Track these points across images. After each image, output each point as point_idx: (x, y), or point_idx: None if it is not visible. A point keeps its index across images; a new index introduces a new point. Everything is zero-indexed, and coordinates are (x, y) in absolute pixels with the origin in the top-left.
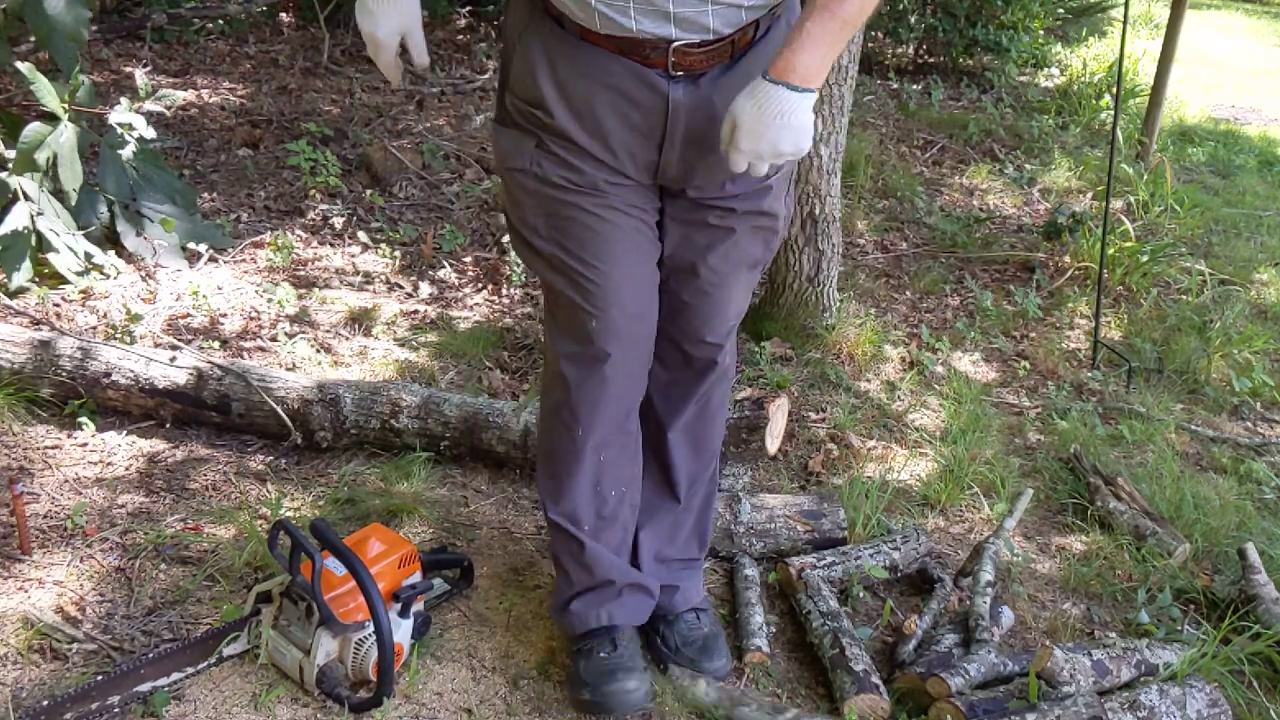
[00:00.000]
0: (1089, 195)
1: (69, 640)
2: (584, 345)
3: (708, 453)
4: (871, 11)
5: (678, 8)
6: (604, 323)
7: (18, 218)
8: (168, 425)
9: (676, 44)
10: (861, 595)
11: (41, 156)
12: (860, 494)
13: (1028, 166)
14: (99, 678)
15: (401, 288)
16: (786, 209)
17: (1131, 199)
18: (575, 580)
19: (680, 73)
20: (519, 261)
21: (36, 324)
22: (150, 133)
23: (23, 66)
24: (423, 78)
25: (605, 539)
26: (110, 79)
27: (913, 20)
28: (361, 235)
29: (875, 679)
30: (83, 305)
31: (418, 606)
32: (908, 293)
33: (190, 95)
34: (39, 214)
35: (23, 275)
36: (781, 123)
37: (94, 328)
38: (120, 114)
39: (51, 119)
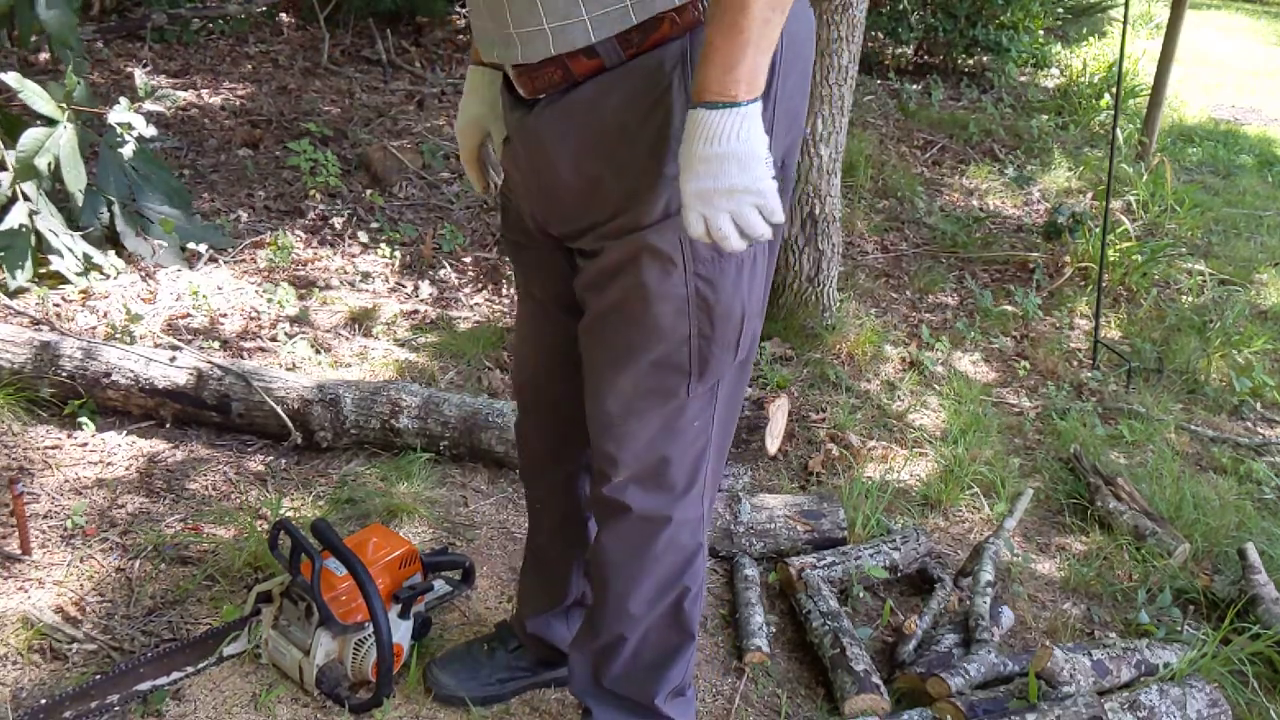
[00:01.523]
0: (1089, 195)
1: (69, 640)
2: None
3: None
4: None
5: (491, 34)
6: (514, 370)
7: (16, 217)
8: (168, 425)
9: (509, 65)
10: (861, 595)
11: (42, 161)
12: (860, 494)
13: (1028, 166)
14: (98, 677)
15: (402, 288)
16: (683, 291)
17: (1131, 199)
18: None
19: (527, 96)
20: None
21: (36, 324)
22: (150, 131)
23: (9, 77)
24: (423, 78)
25: (532, 553)
26: (110, 79)
27: (913, 20)
28: (361, 235)
29: (875, 679)
30: (83, 305)
31: (418, 607)
32: (908, 293)
33: (190, 95)
34: (37, 214)
35: (23, 275)
36: (717, 150)
37: (94, 328)
38: (119, 113)
39: (50, 121)
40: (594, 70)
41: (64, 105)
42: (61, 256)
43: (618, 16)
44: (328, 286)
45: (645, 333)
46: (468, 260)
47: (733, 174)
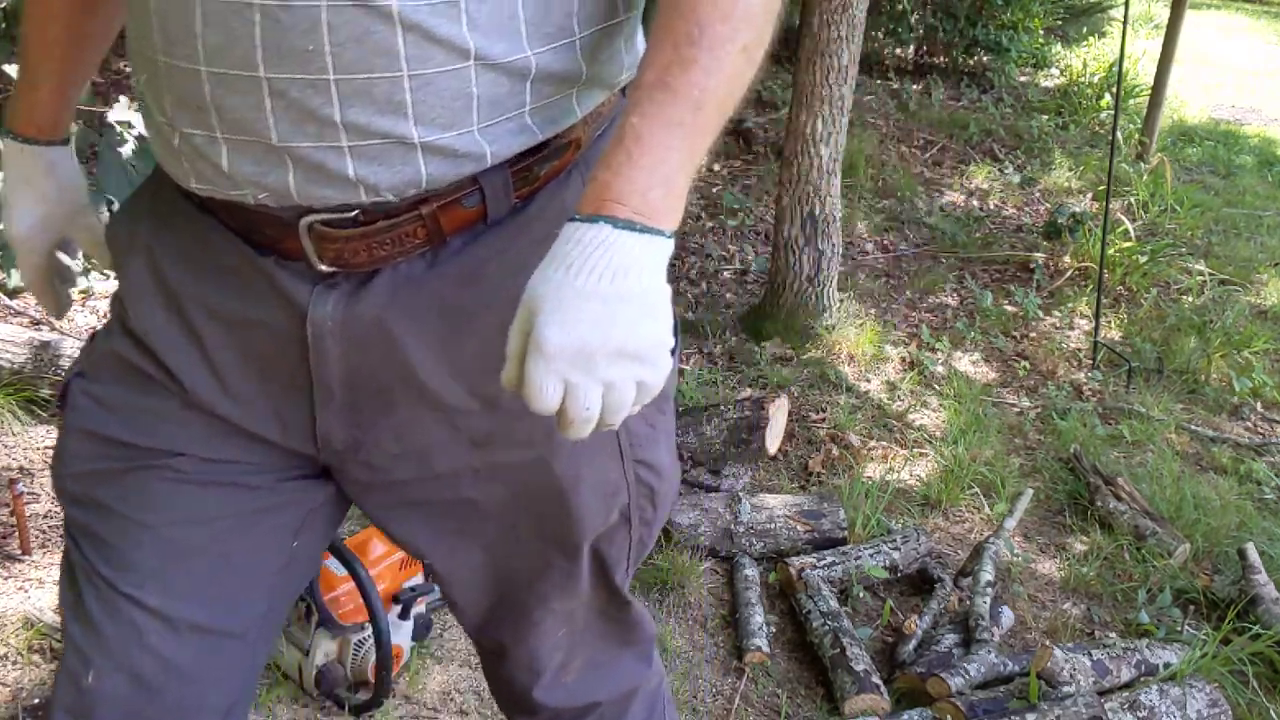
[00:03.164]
0: (1089, 195)
1: None
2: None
3: None
4: (739, 92)
5: (287, 140)
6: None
7: None
8: None
9: (310, 218)
10: (861, 595)
11: None
12: (860, 494)
13: (1028, 166)
14: None
15: None
16: (625, 486)
17: (1131, 199)
18: None
19: (335, 269)
20: None
21: (36, 324)
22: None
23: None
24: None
25: None
26: (110, 78)
27: (913, 20)
28: None
29: (875, 679)
30: (83, 305)
31: (419, 609)
32: (908, 293)
33: None
34: None
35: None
36: (620, 289)
37: (94, 328)
38: (119, 112)
39: None
40: (468, 224)
41: None
42: None
43: (515, 130)
44: None
45: (575, 563)
46: None
47: (631, 330)
